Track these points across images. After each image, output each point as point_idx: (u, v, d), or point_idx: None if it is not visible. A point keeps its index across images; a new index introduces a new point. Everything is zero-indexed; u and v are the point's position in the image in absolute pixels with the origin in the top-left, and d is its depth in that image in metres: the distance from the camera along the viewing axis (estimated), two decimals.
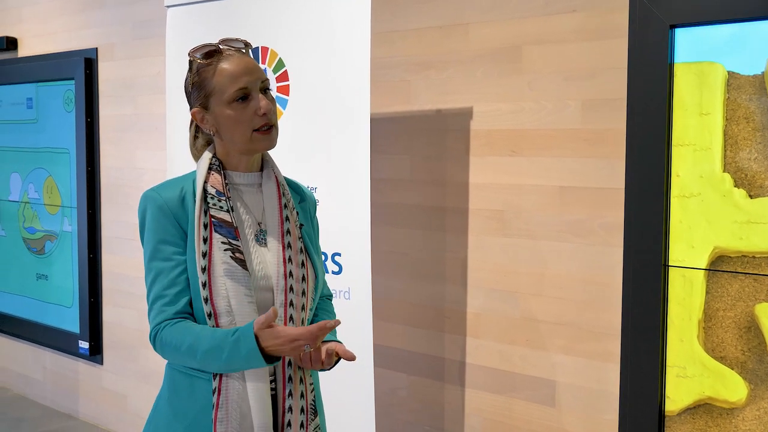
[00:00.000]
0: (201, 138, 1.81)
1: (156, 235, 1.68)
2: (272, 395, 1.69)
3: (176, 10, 3.03)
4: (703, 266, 2.30)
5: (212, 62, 1.68)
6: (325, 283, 1.88)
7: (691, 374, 2.33)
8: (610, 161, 2.48)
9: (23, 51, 4.80)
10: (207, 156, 1.74)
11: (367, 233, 2.51)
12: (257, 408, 1.65)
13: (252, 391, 1.65)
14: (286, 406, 1.69)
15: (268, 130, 1.69)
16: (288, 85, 2.72)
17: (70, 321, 4.49)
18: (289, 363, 1.70)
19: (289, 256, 1.72)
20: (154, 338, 1.67)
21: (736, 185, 2.24)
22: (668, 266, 2.36)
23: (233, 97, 1.67)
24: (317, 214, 1.93)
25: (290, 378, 1.69)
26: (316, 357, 1.63)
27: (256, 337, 1.55)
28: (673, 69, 2.32)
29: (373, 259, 2.65)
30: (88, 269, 4.32)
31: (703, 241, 2.30)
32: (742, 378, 2.26)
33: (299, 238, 1.76)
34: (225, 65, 1.67)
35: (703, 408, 2.32)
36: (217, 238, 1.66)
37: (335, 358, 1.67)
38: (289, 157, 2.53)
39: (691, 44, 2.29)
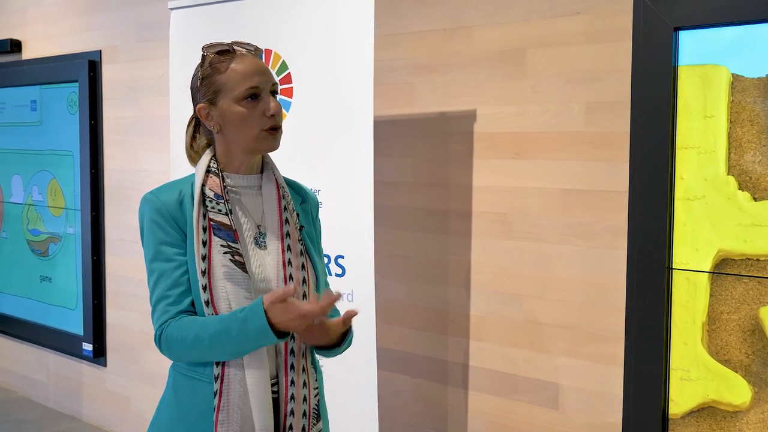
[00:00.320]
0: (200, 138, 1.81)
1: (156, 237, 1.69)
2: (274, 398, 1.70)
3: (180, 13, 3.03)
4: (707, 269, 2.30)
5: (226, 59, 1.71)
6: (327, 284, 1.88)
7: (694, 377, 2.33)
8: (614, 164, 2.47)
9: (27, 53, 4.81)
10: (206, 159, 1.74)
11: (370, 236, 2.51)
12: (258, 411, 1.65)
13: (253, 394, 1.65)
14: (288, 410, 1.69)
15: (274, 131, 1.71)
16: (291, 87, 2.72)
17: (74, 323, 4.50)
18: (292, 366, 1.70)
19: (289, 259, 1.72)
20: (159, 338, 1.67)
21: (741, 188, 2.24)
22: (672, 269, 2.35)
23: (244, 95, 1.68)
24: (320, 215, 1.93)
25: (293, 381, 1.70)
26: (321, 330, 1.64)
27: (266, 313, 1.56)
28: (677, 71, 2.32)
29: (376, 262, 2.64)
30: (91, 271, 4.32)
31: (707, 244, 2.29)
32: (746, 381, 2.25)
33: (299, 241, 1.76)
34: (238, 63, 1.70)
35: (706, 411, 2.31)
36: (216, 241, 1.66)
37: (349, 324, 1.68)
38: (292, 159, 2.54)
39: (696, 47, 2.29)
